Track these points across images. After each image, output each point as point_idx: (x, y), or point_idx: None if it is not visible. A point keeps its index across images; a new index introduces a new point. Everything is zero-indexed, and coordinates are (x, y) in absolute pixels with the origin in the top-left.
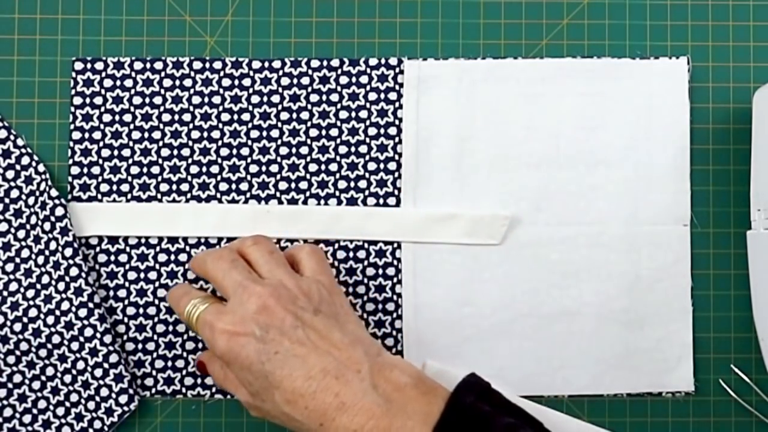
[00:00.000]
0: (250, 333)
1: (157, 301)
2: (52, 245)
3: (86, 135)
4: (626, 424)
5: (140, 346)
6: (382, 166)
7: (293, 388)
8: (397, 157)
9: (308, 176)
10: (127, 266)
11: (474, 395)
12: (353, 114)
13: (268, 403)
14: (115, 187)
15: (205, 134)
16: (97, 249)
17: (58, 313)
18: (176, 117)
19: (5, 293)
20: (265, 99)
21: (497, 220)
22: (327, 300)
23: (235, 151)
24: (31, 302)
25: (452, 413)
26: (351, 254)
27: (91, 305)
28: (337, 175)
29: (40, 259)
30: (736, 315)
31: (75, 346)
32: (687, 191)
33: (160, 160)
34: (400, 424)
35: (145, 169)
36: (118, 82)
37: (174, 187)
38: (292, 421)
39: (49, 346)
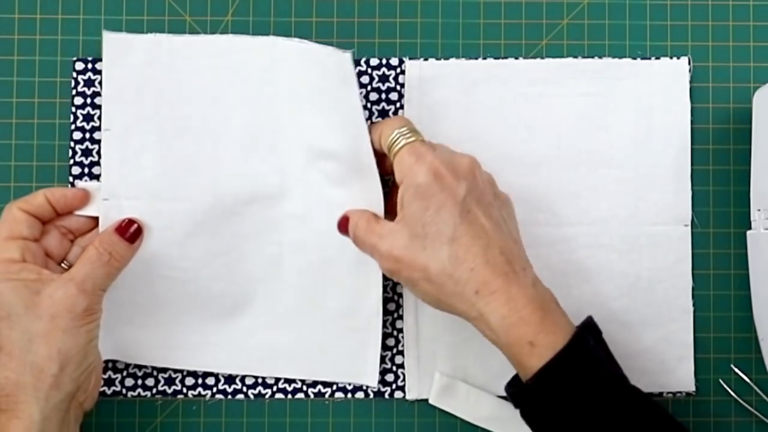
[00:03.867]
0: (454, 184)
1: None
2: None
3: (87, 135)
4: None
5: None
6: None
7: (468, 248)
8: None
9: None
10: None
11: (594, 339)
12: None
13: (429, 251)
14: None
15: None
16: None
17: None
18: None
19: None
20: None
21: None
22: (508, 205)
23: None
24: None
25: (577, 346)
26: None
27: None
28: None
29: None
30: (736, 315)
31: None
32: (688, 191)
33: None
34: (549, 324)
35: None
36: None
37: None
38: (442, 277)
39: None
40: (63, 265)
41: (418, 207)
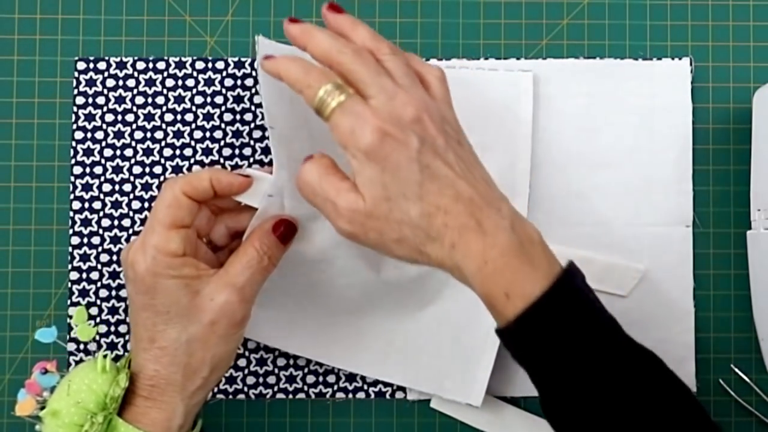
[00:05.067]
0: (405, 140)
1: None
2: None
3: (89, 135)
4: None
5: None
6: None
7: (438, 204)
8: None
9: None
10: None
11: (580, 281)
12: None
13: (396, 213)
14: (117, 187)
15: (208, 134)
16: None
17: None
18: (179, 117)
19: None
20: None
21: (629, 272)
22: (463, 134)
23: (237, 151)
24: None
25: (564, 285)
26: None
27: None
28: None
29: None
30: (736, 315)
31: None
32: (689, 192)
33: (162, 160)
34: (528, 270)
35: (147, 169)
36: (121, 82)
37: None
38: (417, 237)
39: None
40: (204, 240)
41: (372, 171)
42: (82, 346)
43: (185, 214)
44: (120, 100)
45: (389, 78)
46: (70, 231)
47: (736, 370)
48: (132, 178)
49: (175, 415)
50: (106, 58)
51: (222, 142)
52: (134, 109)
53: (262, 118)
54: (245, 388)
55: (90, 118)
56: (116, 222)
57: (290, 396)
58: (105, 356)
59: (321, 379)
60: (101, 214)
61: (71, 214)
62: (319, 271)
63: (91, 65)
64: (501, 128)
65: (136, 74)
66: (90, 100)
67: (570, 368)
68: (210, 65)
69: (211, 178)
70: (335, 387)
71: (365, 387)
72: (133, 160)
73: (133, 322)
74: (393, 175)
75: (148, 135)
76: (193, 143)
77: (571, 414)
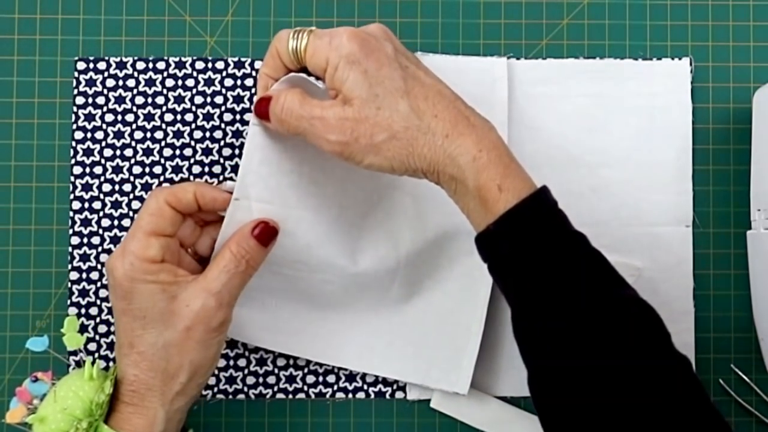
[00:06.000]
0: (379, 44)
1: None
2: None
3: (89, 135)
4: None
5: None
6: None
7: (424, 98)
8: None
9: None
10: None
11: (552, 199)
12: None
13: (385, 110)
14: (117, 187)
15: (208, 134)
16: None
17: None
18: (179, 117)
19: None
20: None
21: (626, 269)
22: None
23: (237, 151)
24: None
25: (541, 198)
26: None
27: None
28: None
29: None
30: (736, 315)
31: None
32: (689, 192)
33: (162, 160)
34: (516, 167)
35: (147, 169)
36: (121, 82)
37: None
38: (410, 130)
39: None
40: (189, 250)
41: (356, 74)
42: (82, 347)
43: (167, 224)
44: (120, 100)
45: None
46: (70, 231)
47: (736, 370)
48: (132, 178)
49: (156, 421)
50: (106, 58)
51: (222, 142)
52: (134, 109)
53: None
54: (245, 388)
55: (90, 118)
56: (116, 222)
57: (290, 396)
58: (93, 364)
59: (321, 379)
60: (101, 214)
61: (71, 214)
62: (295, 270)
63: (91, 65)
64: None
65: (136, 74)
66: (90, 100)
67: (549, 272)
68: (210, 65)
69: (195, 191)
70: (335, 387)
71: (365, 387)
72: (133, 160)
73: (116, 327)
74: (376, 73)
75: (148, 135)
76: (193, 143)
77: (540, 330)
